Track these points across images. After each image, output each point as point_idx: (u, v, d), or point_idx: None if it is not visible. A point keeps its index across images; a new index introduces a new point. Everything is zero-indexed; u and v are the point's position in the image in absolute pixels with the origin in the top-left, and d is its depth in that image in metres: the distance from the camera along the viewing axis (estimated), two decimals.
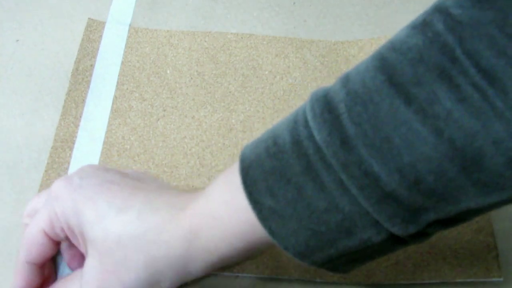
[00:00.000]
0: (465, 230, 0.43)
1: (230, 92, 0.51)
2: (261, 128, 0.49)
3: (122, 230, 0.33)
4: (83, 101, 0.50)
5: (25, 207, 0.39)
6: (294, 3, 0.58)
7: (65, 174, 0.46)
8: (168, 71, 0.52)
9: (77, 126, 0.48)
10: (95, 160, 0.47)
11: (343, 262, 0.32)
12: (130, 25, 0.55)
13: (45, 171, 0.46)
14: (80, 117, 0.49)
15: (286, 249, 0.31)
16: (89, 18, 0.54)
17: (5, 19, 0.56)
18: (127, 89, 0.51)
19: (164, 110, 0.50)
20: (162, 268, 0.33)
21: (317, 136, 0.29)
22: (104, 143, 0.48)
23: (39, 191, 0.45)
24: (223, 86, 0.51)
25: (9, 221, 0.44)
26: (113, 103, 0.50)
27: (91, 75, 0.51)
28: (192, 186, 0.46)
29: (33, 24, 0.55)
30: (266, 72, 0.52)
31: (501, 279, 0.40)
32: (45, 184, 0.45)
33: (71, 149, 0.47)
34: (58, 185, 0.35)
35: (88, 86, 0.50)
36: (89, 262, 0.34)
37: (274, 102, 0.50)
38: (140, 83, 0.51)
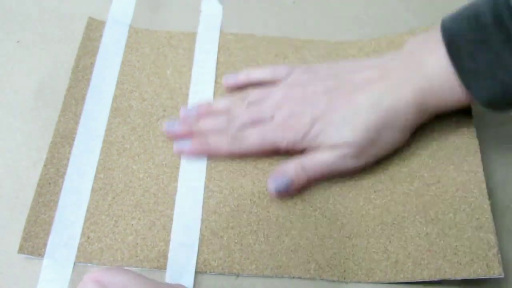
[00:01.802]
0: (465, 227, 0.42)
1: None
2: None
3: (363, 128, 0.44)
4: (83, 98, 0.50)
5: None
6: (294, 2, 0.58)
7: (64, 170, 0.46)
8: (168, 72, 0.52)
9: (76, 122, 0.48)
10: (94, 158, 0.47)
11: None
12: (130, 25, 0.55)
13: (44, 165, 0.46)
14: (80, 114, 0.49)
15: (477, 99, 0.42)
16: (89, 18, 0.55)
17: (6, 20, 0.56)
18: (127, 88, 0.51)
19: (164, 110, 0.50)
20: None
21: None
22: (104, 141, 0.48)
23: (38, 186, 0.45)
24: (223, 87, 0.51)
25: (8, 219, 0.44)
26: (113, 102, 0.50)
27: (91, 73, 0.51)
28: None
29: (33, 25, 0.55)
30: None
31: (502, 276, 0.40)
32: (44, 179, 0.45)
33: (70, 145, 0.47)
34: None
35: (88, 84, 0.50)
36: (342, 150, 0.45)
37: None
38: (140, 83, 0.51)
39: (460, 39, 0.41)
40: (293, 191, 0.45)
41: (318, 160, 0.45)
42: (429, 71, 0.43)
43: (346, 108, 0.44)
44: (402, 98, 0.44)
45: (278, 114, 0.46)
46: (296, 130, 0.45)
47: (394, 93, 0.44)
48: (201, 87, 0.51)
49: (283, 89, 0.47)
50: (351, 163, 0.45)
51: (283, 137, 0.45)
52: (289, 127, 0.45)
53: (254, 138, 0.46)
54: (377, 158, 0.46)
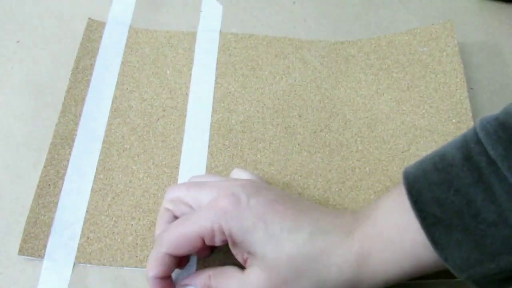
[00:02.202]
0: None
1: (230, 92, 0.51)
2: (261, 128, 0.49)
3: (295, 251, 0.35)
4: (83, 99, 0.50)
5: (167, 193, 0.41)
6: (294, 3, 0.58)
7: (64, 171, 0.46)
8: (168, 72, 0.52)
9: (76, 124, 0.48)
10: (94, 158, 0.47)
11: (498, 279, 0.32)
12: (130, 25, 0.55)
13: (44, 167, 0.46)
14: (80, 115, 0.49)
15: (446, 261, 0.32)
16: (89, 18, 0.55)
17: (5, 20, 0.56)
18: (127, 89, 0.51)
19: (164, 110, 0.50)
20: None
21: (491, 151, 0.31)
22: (104, 142, 0.48)
23: (38, 188, 0.45)
24: (223, 87, 0.51)
25: (8, 220, 0.44)
26: (112, 103, 0.50)
27: (91, 74, 0.51)
28: None
29: (33, 25, 0.55)
30: (266, 73, 0.52)
31: None
32: (44, 180, 0.45)
33: (70, 146, 0.47)
34: (226, 201, 0.36)
35: (88, 85, 0.50)
36: (256, 274, 0.36)
37: (274, 102, 0.50)
38: (140, 83, 0.51)
39: (422, 181, 0.34)
40: None
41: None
42: (384, 222, 0.35)
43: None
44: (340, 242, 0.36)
45: None
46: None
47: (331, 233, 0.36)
48: (201, 87, 0.51)
49: None
50: None
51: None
52: None
53: None
54: None
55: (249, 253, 0.36)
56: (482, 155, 0.31)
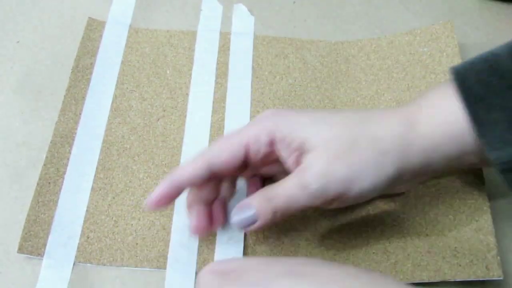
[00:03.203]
0: (464, 229, 0.43)
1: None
2: None
3: (347, 117, 0.38)
4: (83, 98, 0.50)
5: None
6: (294, 3, 0.58)
7: (64, 170, 0.46)
8: (168, 71, 0.52)
9: (76, 122, 0.48)
10: (94, 158, 0.47)
11: None
12: (130, 25, 0.55)
13: (44, 165, 0.46)
14: (80, 114, 0.49)
15: (482, 137, 0.34)
16: (89, 18, 0.55)
17: (5, 20, 0.56)
18: (127, 88, 0.51)
19: (164, 110, 0.50)
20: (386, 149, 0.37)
21: None
22: (104, 141, 0.48)
23: (38, 186, 0.45)
24: (223, 87, 0.51)
25: (7, 218, 0.44)
26: (113, 102, 0.50)
27: (91, 73, 0.51)
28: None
29: (33, 25, 0.55)
30: (266, 73, 0.52)
31: (501, 278, 0.40)
32: (44, 178, 0.45)
33: (70, 145, 0.47)
34: (267, 111, 0.40)
35: (88, 84, 0.50)
36: (313, 157, 0.37)
37: (274, 102, 0.50)
38: (140, 83, 0.51)
39: (469, 68, 0.36)
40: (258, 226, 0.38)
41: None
42: (431, 104, 0.38)
43: None
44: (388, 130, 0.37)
45: None
46: None
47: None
48: (201, 87, 0.51)
49: None
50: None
51: None
52: None
53: None
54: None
55: (299, 143, 0.37)
56: None
